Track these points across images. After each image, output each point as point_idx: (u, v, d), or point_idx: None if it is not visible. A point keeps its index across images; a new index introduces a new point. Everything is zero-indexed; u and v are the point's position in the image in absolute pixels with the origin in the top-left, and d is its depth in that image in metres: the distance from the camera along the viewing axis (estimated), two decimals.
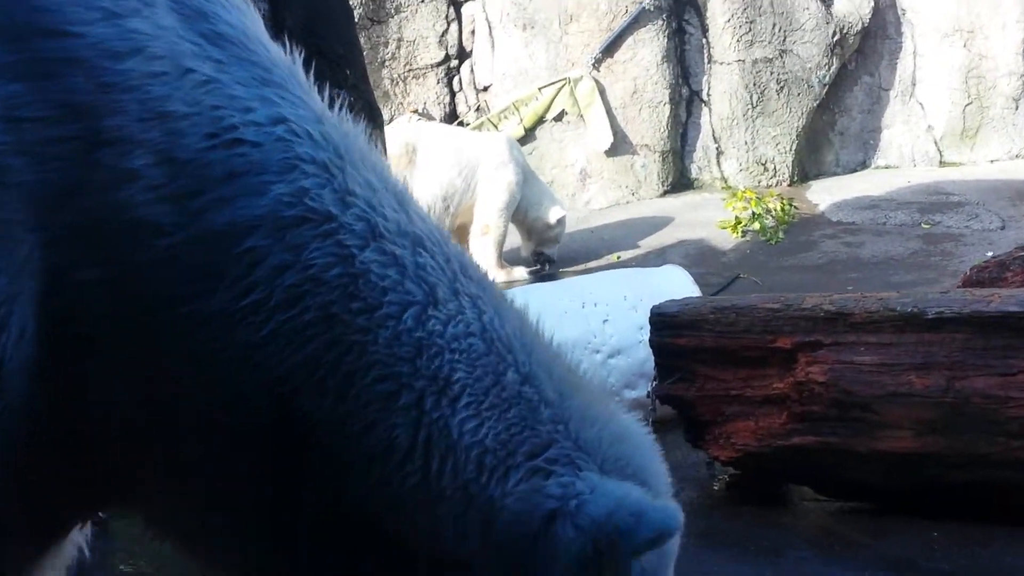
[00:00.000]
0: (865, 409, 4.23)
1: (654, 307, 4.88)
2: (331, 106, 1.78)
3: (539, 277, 9.40)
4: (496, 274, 9.33)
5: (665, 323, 4.81)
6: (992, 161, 11.99)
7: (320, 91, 1.77)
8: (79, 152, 1.49)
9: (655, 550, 1.65)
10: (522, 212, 9.70)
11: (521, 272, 9.53)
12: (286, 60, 1.75)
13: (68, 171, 1.48)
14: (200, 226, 1.52)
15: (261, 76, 1.66)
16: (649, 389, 4.94)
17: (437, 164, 9.41)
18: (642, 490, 1.63)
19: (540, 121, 11.64)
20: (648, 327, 4.86)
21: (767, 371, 4.54)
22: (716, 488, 4.90)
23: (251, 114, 1.60)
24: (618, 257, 9.90)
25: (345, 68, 6.37)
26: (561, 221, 9.72)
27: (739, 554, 3.94)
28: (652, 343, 4.87)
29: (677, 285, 5.79)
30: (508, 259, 9.81)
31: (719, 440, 4.63)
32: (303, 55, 1.79)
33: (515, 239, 9.96)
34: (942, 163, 12.10)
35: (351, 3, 10.48)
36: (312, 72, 1.78)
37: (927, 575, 3.60)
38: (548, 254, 9.80)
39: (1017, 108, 12.00)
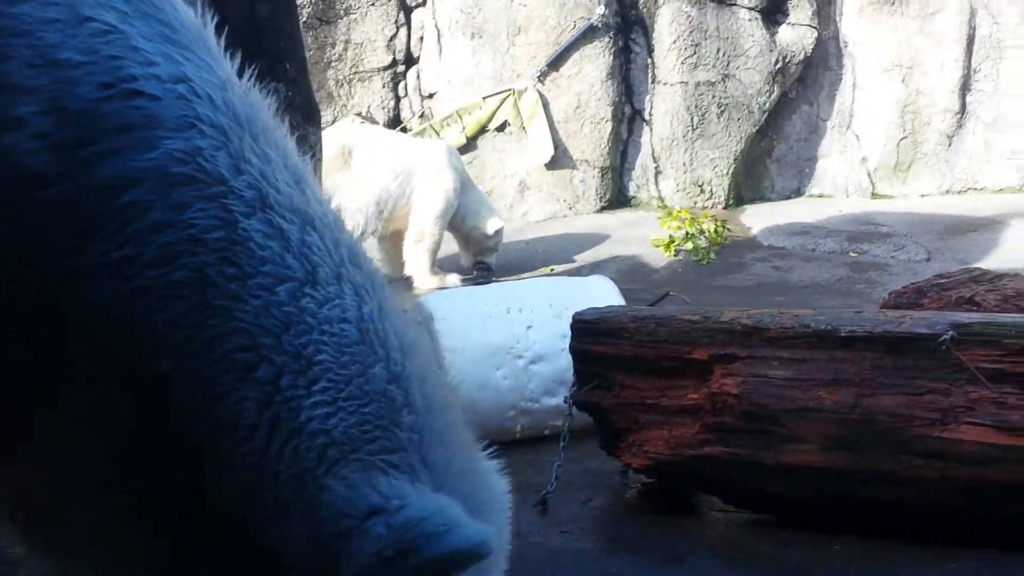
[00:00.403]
0: (775, 422, 4.28)
1: (575, 314, 4.91)
2: (241, 76, 1.76)
3: (474, 284, 9.40)
4: (429, 281, 9.33)
5: (585, 330, 4.85)
6: (923, 195, 12.26)
7: (232, 60, 1.75)
8: None
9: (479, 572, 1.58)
10: (459, 220, 9.69)
11: (455, 280, 9.51)
12: (196, 23, 1.73)
13: None
14: (86, 177, 1.50)
15: (166, 34, 1.64)
16: (567, 395, 4.96)
17: (373, 168, 9.37)
18: (465, 513, 1.56)
19: (482, 131, 11.67)
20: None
21: (683, 381, 4.59)
22: (628, 496, 4.94)
23: (153, 68, 1.58)
24: (551, 270, 9.94)
25: (285, 62, 6.35)
26: (499, 232, 9.73)
27: (643, 559, 3.97)
28: (572, 349, 4.90)
29: (603, 295, 5.82)
30: (446, 267, 9.80)
31: (632, 448, 4.67)
32: (241, 48, 1.78)
33: (453, 247, 9.97)
34: (874, 195, 12.33)
35: (300, 2, 10.46)
36: (236, 54, 1.76)
37: None
38: (487, 263, 9.81)
39: (950, 144, 12.27)
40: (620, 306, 5.34)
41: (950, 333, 4.05)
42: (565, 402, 4.97)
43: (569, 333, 4.96)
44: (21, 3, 1.51)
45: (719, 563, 3.91)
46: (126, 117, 1.53)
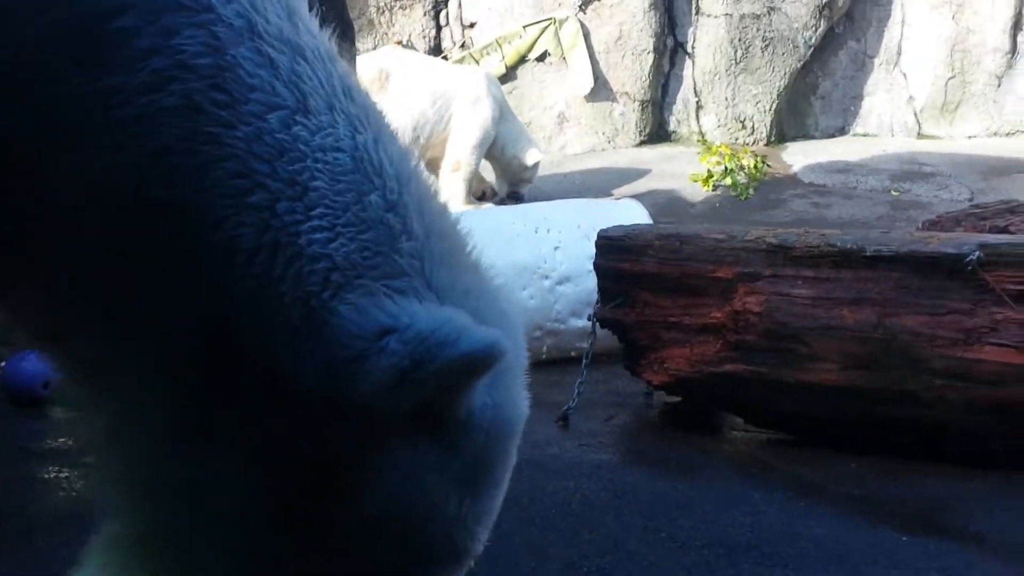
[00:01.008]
0: (796, 341, 4.27)
1: (600, 231, 4.90)
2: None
3: None
4: (465, 208, 9.33)
5: (610, 247, 4.84)
6: (970, 137, 12.02)
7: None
8: None
9: (500, 412, 1.59)
10: (497, 150, 9.67)
11: (488, 206, 9.51)
12: None
13: None
14: (75, 6, 1.49)
15: None
16: (591, 312, 4.96)
17: (411, 93, 9.34)
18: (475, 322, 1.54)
19: (522, 60, 11.59)
20: None
21: (706, 300, 4.58)
22: (650, 416, 4.96)
23: None
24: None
25: None
26: (537, 163, 9.69)
27: (659, 471, 3.99)
28: (596, 266, 4.89)
29: (632, 218, 5.80)
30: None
31: (654, 365, 4.67)
32: None
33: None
34: (920, 135, 12.12)
35: None
36: None
37: (837, 499, 3.65)
38: (520, 193, 9.79)
39: (999, 85, 12.01)
40: (645, 224, 5.33)
41: (977, 254, 4.00)
42: (589, 319, 4.97)
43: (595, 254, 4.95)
44: None
45: (734, 475, 3.92)
46: None
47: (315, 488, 1.55)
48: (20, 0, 1.48)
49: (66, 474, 3.61)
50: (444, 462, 1.57)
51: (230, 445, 1.56)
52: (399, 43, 11.69)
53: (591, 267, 5.16)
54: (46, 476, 3.60)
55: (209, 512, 1.63)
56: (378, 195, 1.59)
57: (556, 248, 5.80)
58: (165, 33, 1.50)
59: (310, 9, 1.80)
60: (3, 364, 4.71)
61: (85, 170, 1.52)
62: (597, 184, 10.58)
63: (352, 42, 6.52)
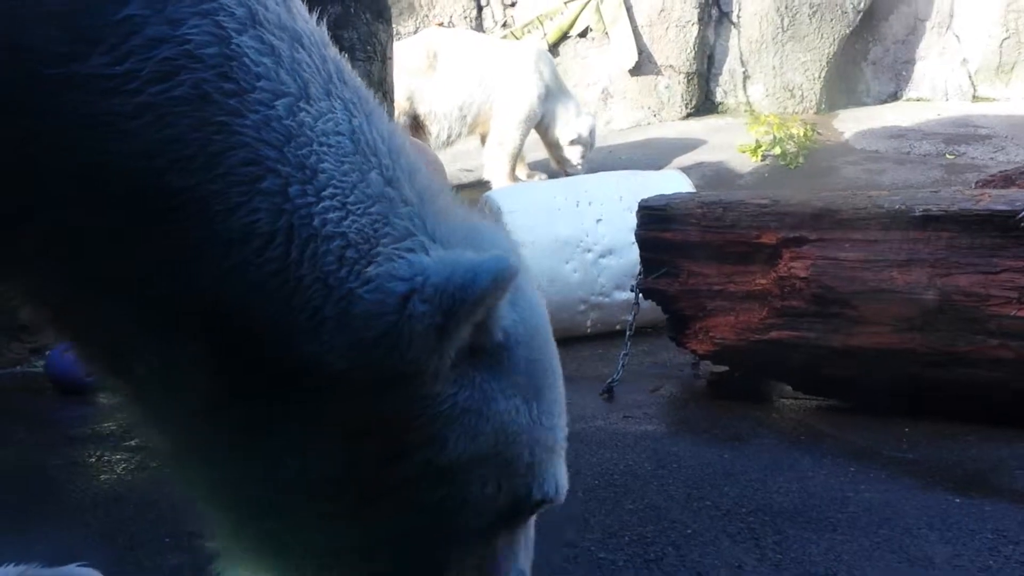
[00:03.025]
0: (845, 305, 4.17)
1: (642, 200, 4.82)
2: None
3: None
4: (508, 185, 9.28)
5: (652, 217, 4.76)
6: None
7: None
8: None
9: (526, 314, 1.69)
10: (544, 126, 9.60)
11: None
12: None
13: None
14: None
15: None
16: (633, 284, 4.89)
17: (458, 72, 9.30)
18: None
19: (564, 36, 11.50)
20: None
21: (751, 267, 4.49)
22: (697, 386, 4.89)
23: None
24: None
25: None
26: (586, 137, 9.60)
27: (705, 440, 3.92)
28: (638, 236, 4.82)
29: (674, 188, 5.72)
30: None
31: (699, 335, 4.60)
32: None
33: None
34: (975, 97, 11.85)
35: None
36: None
37: (889, 462, 3.55)
38: (573, 174, 9.71)
39: None
40: (687, 192, 5.23)
41: None
42: (632, 290, 4.90)
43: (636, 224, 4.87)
44: None
45: (782, 443, 3.84)
46: None
47: (397, 456, 1.61)
48: None
49: (108, 457, 3.62)
50: (501, 384, 1.67)
51: (294, 434, 1.61)
52: (440, 25, 11.64)
53: (634, 239, 5.08)
54: (89, 460, 3.61)
55: (295, 505, 1.67)
56: (376, 172, 1.64)
57: (598, 221, 5.73)
58: (171, 23, 1.52)
59: None
60: (48, 353, 4.75)
61: (98, 158, 1.53)
62: (644, 158, 10.47)
63: (388, 23, 6.48)
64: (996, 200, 4.01)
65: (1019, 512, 3.02)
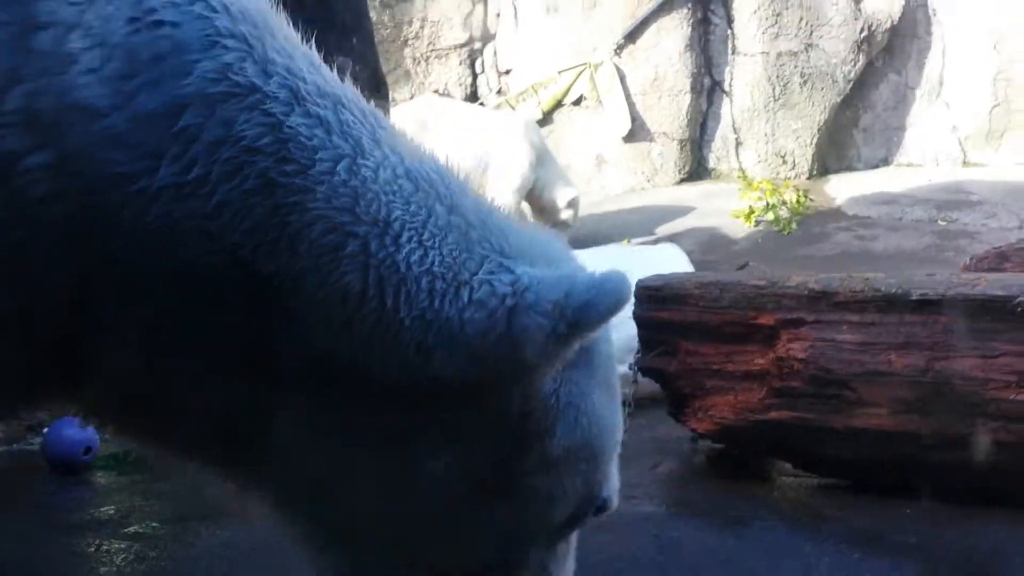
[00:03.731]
0: (843, 387, 4.18)
1: (639, 280, 4.84)
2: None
3: None
4: None
5: (649, 296, 4.78)
6: (1017, 163, 11.84)
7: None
8: (15, 37, 1.56)
9: (604, 337, 1.86)
10: (535, 193, 9.68)
11: None
12: None
13: (6, 57, 1.55)
14: (136, 107, 1.59)
15: None
16: (631, 362, 4.90)
17: (449, 142, 9.38)
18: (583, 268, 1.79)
19: (559, 105, 11.63)
20: None
21: (749, 347, 4.50)
22: (696, 462, 4.88)
23: None
24: (629, 242, 9.86)
25: (352, 36, 6.38)
26: (574, 202, 9.69)
27: (707, 523, 3.90)
28: (636, 316, 4.83)
29: (672, 263, 5.76)
30: None
31: (698, 413, 4.60)
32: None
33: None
34: (965, 163, 11.98)
35: None
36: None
37: (892, 549, 3.54)
38: (567, 229, 9.78)
39: None
40: (684, 272, 5.27)
41: None
42: (630, 369, 4.91)
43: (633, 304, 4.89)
44: None
45: (785, 527, 3.83)
46: (157, 48, 1.62)
47: (518, 450, 1.76)
48: (89, 105, 1.58)
49: (107, 546, 3.60)
50: (592, 380, 1.82)
51: (430, 448, 1.73)
52: (436, 92, 11.77)
53: (631, 313, 5.10)
54: (88, 549, 3.59)
55: (426, 513, 1.79)
56: (439, 203, 1.76)
57: None
58: (224, 124, 1.63)
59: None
60: (45, 431, 4.73)
61: (185, 260, 1.63)
62: (638, 224, 10.54)
63: (386, 98, 6.56)
64: (992, 285, 4.05)
65: None
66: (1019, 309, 3.90)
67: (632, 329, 5.10)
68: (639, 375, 4.85)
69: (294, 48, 1.75)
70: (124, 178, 1.59)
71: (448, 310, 1.67)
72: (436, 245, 1.71)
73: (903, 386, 4.08)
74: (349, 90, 1.79)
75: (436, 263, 1.69)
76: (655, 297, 4.74)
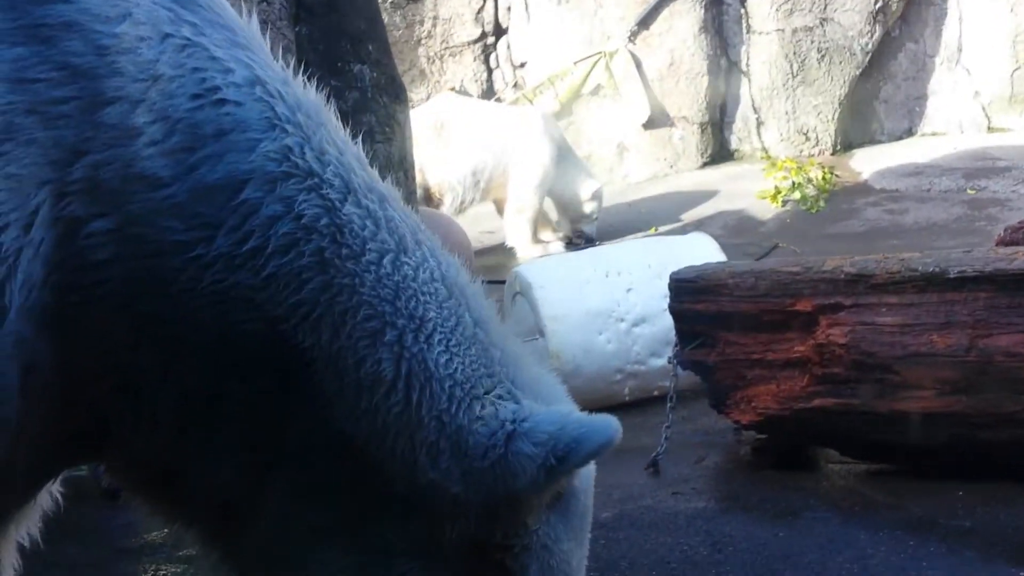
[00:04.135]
0: (886, 370, 4.15)
1: (673, 273, 4.82)
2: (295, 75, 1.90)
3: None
4: (531, 250, 9.31)
5: (683, 289, 4.76)
6: None
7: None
8: (84, 111, 1.63)
9: (586, 470, 1.89)
10: (558, 189, 9.64)
11: (558, 248, 9.47)
12: (244, 21, 1.87)
13: (75, 129, 1.62)
14: (197, 179, 1.67)
15: (231, 38, 1.79)
16: (670, 355, 4.88)
17: (468, 140, 9.37)
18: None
19: (576, 96, 11.56)
20: None
21: (788, 335, 4.48)
22: (742, 454, 4.86)
23: (231, 75, 1.74)
24: (656, 230, 9.81)
25: (367, 43, 6.35)
26: (597, 195, 9.64)
27: (757, 517, 3.90)
28: (671, 309, 4.82)
29: (703, 252, 5.72)
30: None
31: (740, 404, 4.57)
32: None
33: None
34: (990, 129, 11.82)
35: None
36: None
37: (948, 533, 3.52)
38: (587, 232, 9.73)
39: None
40: (718, 263, 5.24)
41: None
42: (669, 362, 4.89)
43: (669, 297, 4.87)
44: (118, 23, 1.67)
45: (837, 517, 3.81)
46: (220, 124, 1.69)
47: (477, 567, 1.81)
48: (151, 175, 1.65)
49: (164, 571, 3.62)
50: (565, 526, 1.87)
51: (411, 557, 1.79)
52: (452, 90, 11.74)
53: (666, 306, 5.08)
54: (144, 573, 3.61)
55: None
56: (468, 315, 1.84)
57: (628, 290, 5.74)
58: (284, 200, 1.71)
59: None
60: None
61: (227, 328, 1.69)
62: (663, 210, 10.48)
63: (405, 103, 6.53)
64: None
65: None
66: None
67: (668, 322, 5.08)
68: (679, 368, 4.82)
69: (344, 143, 1.84)
70: (182, 245, 1.66)
71: (462, 419, 1.76)
72: (461, 353, 1.79)
73: (947, 366, 4.05)
74: (394, 191, 1.88)
75: (459, 371, 1.78)
76: (690, 289, 4.72)
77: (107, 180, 1.63)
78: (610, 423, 1.78)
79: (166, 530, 4.05)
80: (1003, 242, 5.30)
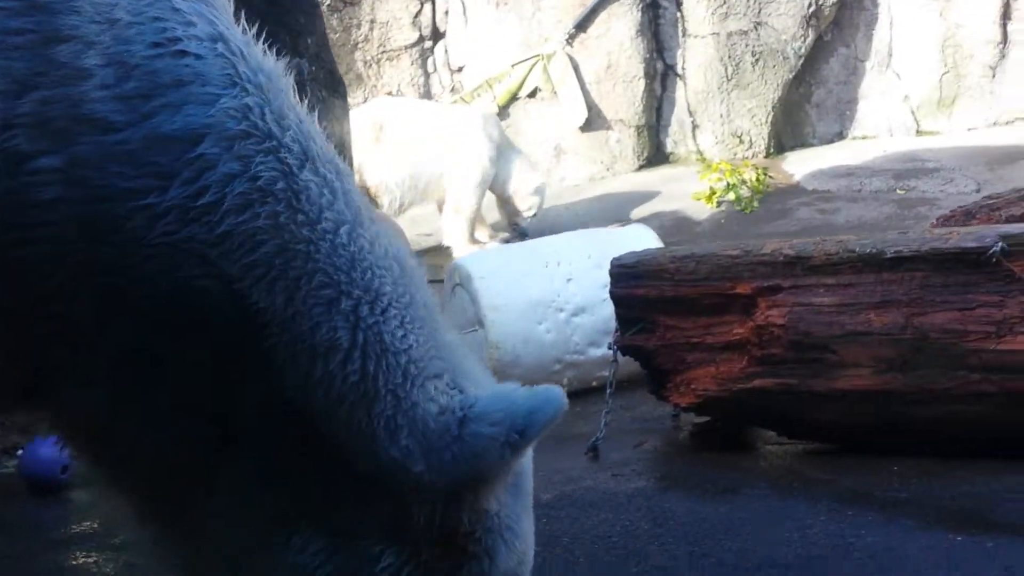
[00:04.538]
0: (824, 350, 4.19)
1: (614, 258, 4.84)
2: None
3: None
4: (467, 250, 9.28)
5: (625, 274, 4.78)
6: (969, 129, 11.92)
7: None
8: (37, 45, 1.62)
9: (527, 469, 1.94)
10: (499, 186, 9.64)
11: (494, 246, 9.45)
12: None
13: (27, 62, 1.61)
14: (152, 127, 1.64)
15: None
16: (611, 341, 4.89)
17: (407, 141, 9.32)
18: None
19: (513, 98, 11.58)
20: None
21: (727, 318, 4.51)
22: (680, 438, 4.88)
23: (192, 28, 1.72)
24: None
25: (306, 37, 6.32)
26: (540, 190, 9.68)
27: (696, 494, 3.91)
28: (612, 294, 4.83)
29: (642, 243, 5.74)
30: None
31: (680, 387, 4.60)
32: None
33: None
34: (919, 132, 12.06)
35: None
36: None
37: (884, 504, 3.56)
38: (523, 228, 9.75)
39: (994, 76, 11.94)
40: (658, 248, 5.27)
41: (1000, 244, 3.93)
42: (609, 348, 4.90)
43: (610, 283, 4.88)
44: None
45: (776, 493, 3.83)
46: (179, 74, 1.67)
47: (456, 567, 1.82)
48: (102, 119, 1.63)
49: (96, 558, 3.54)
50: (523, 505, 1.90)
51: (374, 541, 1.77)
52: (389, 94, 11.70)
53: (605, 296, 5.09)
54: (74, 563, 3.52)
55: None
56: (420, 295, 1.84)
57: (568, 280, 5.75)
58: (241, 159, 1.68)
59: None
60: (20, 452, 4.65)
61: (178, 282, 1.66)
62: (600, 212, 10.52)
63: (344, 97, 6.50)
64: (965, 237, 4.07)
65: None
66: (993, 259, 3.92)
67: (608, 312, 5.09)
68: (619, 354, 4.83)
69: (302, 111, 1.83)
70: (132, 192, 1.63)
71: (416, 396, 1.75)
72: (415, 331, 1.78)
73: (884, 344, 4.10)
74: (346, 166, 1.88)
75: (414, 348, 1.77)
76: (630, 274, 4.73)
77: (55, 118, 1.61)
78: (555, 390, 1.80)
79: (97, 522, 3.98)
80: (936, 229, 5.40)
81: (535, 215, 9.76)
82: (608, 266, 4.94)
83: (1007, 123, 11.91)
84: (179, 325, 1.68)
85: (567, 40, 11.49)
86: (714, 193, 10.27)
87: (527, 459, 1.92)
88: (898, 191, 10.13)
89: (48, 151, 1.61)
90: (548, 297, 5.69)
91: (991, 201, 5.77)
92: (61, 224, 1.62)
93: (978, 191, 9.72)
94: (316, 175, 1.75)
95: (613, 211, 10.49)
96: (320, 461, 1.74)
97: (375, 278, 1.76)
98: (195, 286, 1.66)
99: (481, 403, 1.78)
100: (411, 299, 1.81)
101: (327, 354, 1.70)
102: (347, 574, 1.77)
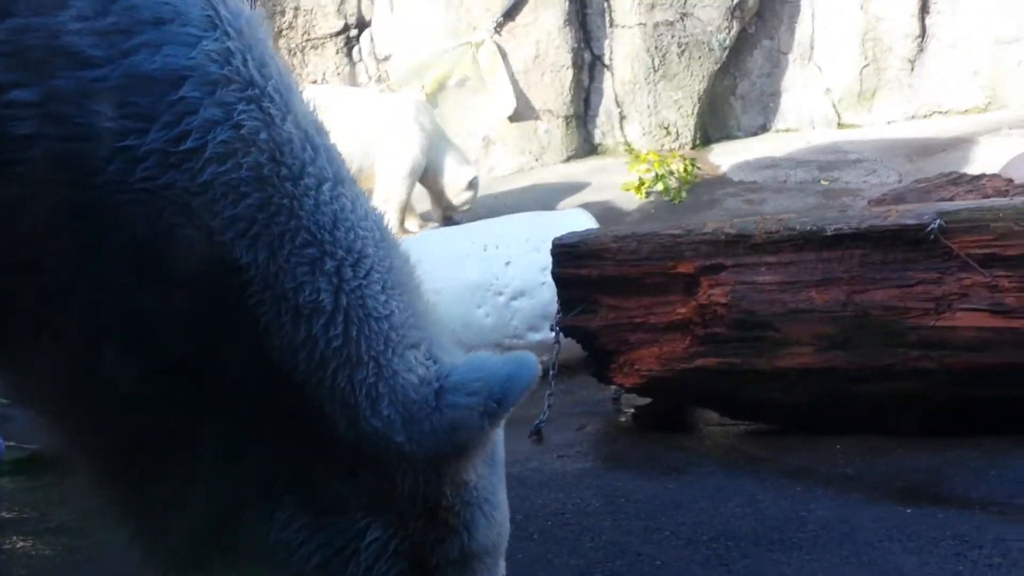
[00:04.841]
0: (767, 328, 4.22)
1: (555, 239, 4.80)
2: None
3: None
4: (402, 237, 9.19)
5: (566, 254, 4.74)
6: (889, 122, 12.17)
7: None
8: None
9: (500, 440, 1.91)
10: (431, 177, 9.55)
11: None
12: None
13: None
14: (131, 65, 1.55)
15: None
16: (552, 323, 4.86)
17: (335, 129, 9.16)
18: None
19: (442, 87, 11.50)
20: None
21: (670, 297, 4.51)
22: (623, 421, 4.87)
23: None
24: None
25: None
26: (473, 183, 9.61)
27: (644, 472, 3.90)
28: (554, 275, 4.79)
29: (580, 226, 5.71)
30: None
31: (623, 368, 4.58)
32: None
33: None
34: (840, 124, 12.27)
35: None
36: None
37: (831, 480, 3.59)
38: (457, 220, 9.67)
39: (913, 70, 12.20)
40: (600, 228, 5.25)
41: (938, 222, 4.00)
42: (552, 330, 4.86)
43: (548, 266, 4.84)
44: None
45: (722, 471, 3.84)
46: (159, 12, 1.58)
47: (440, 541, 1.78)
48: (79, 53, 1.54)
49: (33, 542, 3.40)
50: (498, 475, 1.88)
51: (360, 514, 1.73)
52: (314, 83, 11.55)
53: (545, 279, 5.07)
54: (14, 547, 3.39)
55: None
56: (399, 260, 1.78)
57: (507, 264, 5.71)
58: (223, 106, 1.59)
59: None
60: None
61: (158, 230, 1.56)
62: (531, 203, 10.48)
63: None
64: (904, 215, 4.12)
65: (972, 517, 3.07)
66: (931, 236, 3.98)
67: (547, 296, 5.07)
68: (561, 336, 4.80)
69: (281, 63, 1.75)
70: (112, 133, 1.55)
71: (397, 365, 1.70)
72: (395, 296, 1.73)
73: (825, 322, 4.13)
74: (323, 125, 1.80)
75: (395, 313, 1.72)
76: (572, 254, 4.70)
77: (31, 48, 1.52)
78: (529, 356, 1.77)
79: (30, 507, 3.83)
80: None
81: (468, 209, 9.69)
82: (546, 249, 4.91)
83: (925, 116, 12.18)
84: (158, 276, 1.59)
85: (495, 28, 11.45)
86: (643, 184, 10.32)
87: (501, 435, 1.90)
88: (822, 182, 10.29)
89: (23, 83, 1.52)
90: (487, 280, 5.64)
91: (921, 185, 5.89)
92: (36, 162, 1.53)
93: (899, 182, 9.91)
94: (298, 128, 1.67)
95: (543, 201, 10.48)
96: (303, 434, 1.69)
97: (358, 239, 1.70)
98: (176, 236, 1.58)
99: (457, 373, 1.73)
100: (391, 264, 1.75)
101: (311, 316, 1.65)
102: (332, 550, 1.72)
